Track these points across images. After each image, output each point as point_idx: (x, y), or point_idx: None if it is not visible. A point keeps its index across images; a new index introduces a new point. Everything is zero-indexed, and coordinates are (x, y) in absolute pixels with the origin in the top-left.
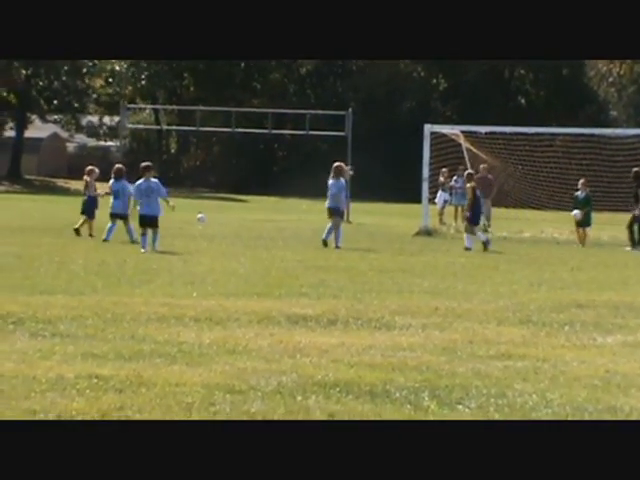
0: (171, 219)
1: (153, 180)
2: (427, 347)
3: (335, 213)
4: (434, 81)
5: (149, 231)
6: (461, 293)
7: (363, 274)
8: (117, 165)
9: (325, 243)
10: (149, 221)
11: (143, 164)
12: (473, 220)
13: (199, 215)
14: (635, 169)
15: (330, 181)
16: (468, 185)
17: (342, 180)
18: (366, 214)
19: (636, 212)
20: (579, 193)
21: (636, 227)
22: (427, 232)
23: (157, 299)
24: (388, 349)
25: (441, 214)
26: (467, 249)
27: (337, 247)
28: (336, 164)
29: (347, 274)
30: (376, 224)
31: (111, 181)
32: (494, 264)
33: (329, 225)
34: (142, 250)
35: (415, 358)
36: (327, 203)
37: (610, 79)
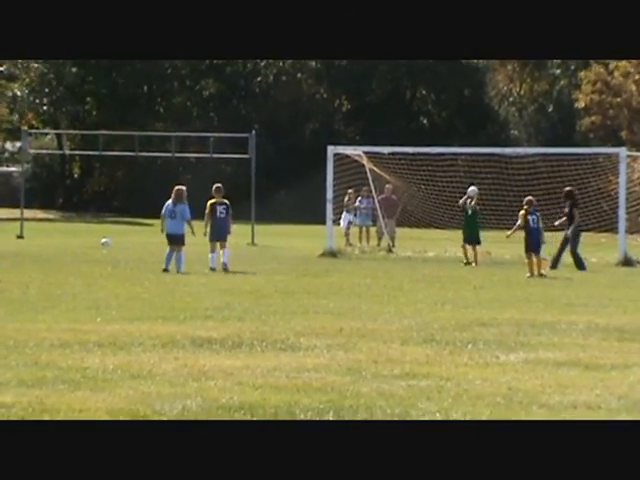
0: (75, 244)
1: None
2: (332, 368)
3: (178, 240)
4: (337, 102)
5: None
6: (366, 313)
7: (268, 296)
8: None
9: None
10: None
11: None
12: (215, 236)
13: (103, 240)
14: (567, 188)
15: (173, 206)
16: (209, 202)
17: (185, 205)
18: (271, 236)
19: (568, 232)
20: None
21: (569, 247)
22: (332, 253)
23: (60, 325)
24: (293, 371)
25: (347, 235)
26: (212, 269)
27: (179, 272)
28: (178, 187)
29: (252, 296)
30: (281, 246)
31: None
32: (398, 284)
33: (168, 252)
34: None
35: (320, 379)
36: (169, 229)
37: (511, 99)
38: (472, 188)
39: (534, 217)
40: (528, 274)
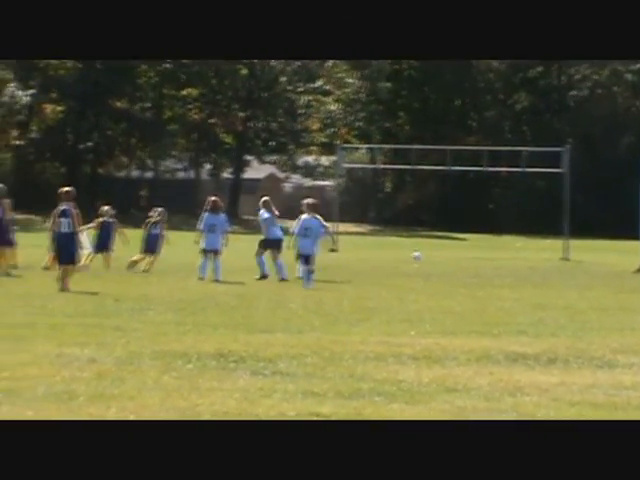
0: (386, 258)
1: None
2: None
3: None
4: None
5: None
6: None
7: (582, 312)
8: (213, 198)
9: None
10: None
11: (63, 189)
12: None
13: (415, 253)
14: None
15: None
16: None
17: None
18: (584, 251)
19: None
20: None
21: None
22: None
23: (375, 337)
24: (610, 388)
25: None
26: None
27: None
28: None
29: (566, 312)
30: (594, 261)
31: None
32: None
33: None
34: None
35: (639, 397)
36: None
37: None
38: None
39: None
40: None
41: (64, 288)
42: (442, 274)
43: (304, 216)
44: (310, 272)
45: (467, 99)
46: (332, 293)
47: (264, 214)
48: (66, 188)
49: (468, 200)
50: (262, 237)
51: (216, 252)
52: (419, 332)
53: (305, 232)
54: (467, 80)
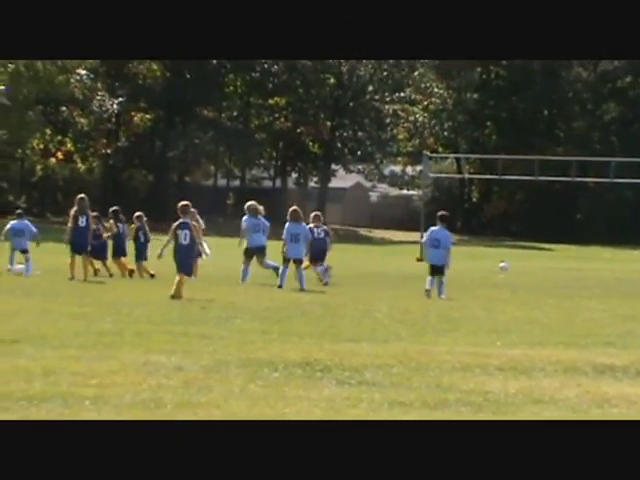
0: (473, 268)
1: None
2: None
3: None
4: None
5: None
6: None
7: None
8: (293, 207)
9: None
10: None
11: (181, 203)
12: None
13: (502, 264)
14: None
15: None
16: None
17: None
18: None
19: None
20: None
21: None
22: None
23: (461, 348)
24: None
25: None
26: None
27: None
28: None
29: None
30: None
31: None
32: None
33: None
34: None
35: None
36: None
37: None
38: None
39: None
40: None
41: (178, 296)
42: (529, 285)
43: (435, 227)
44: (442, 283)
45: (555, 109)
46: (418, 302)
47: (244, 221)
48: (183, 202)
49: (555, 210)
50: (245, 246)
51: (299, 261)
52: (506, 343)
53: (435, 243)
54: (555, 90)
